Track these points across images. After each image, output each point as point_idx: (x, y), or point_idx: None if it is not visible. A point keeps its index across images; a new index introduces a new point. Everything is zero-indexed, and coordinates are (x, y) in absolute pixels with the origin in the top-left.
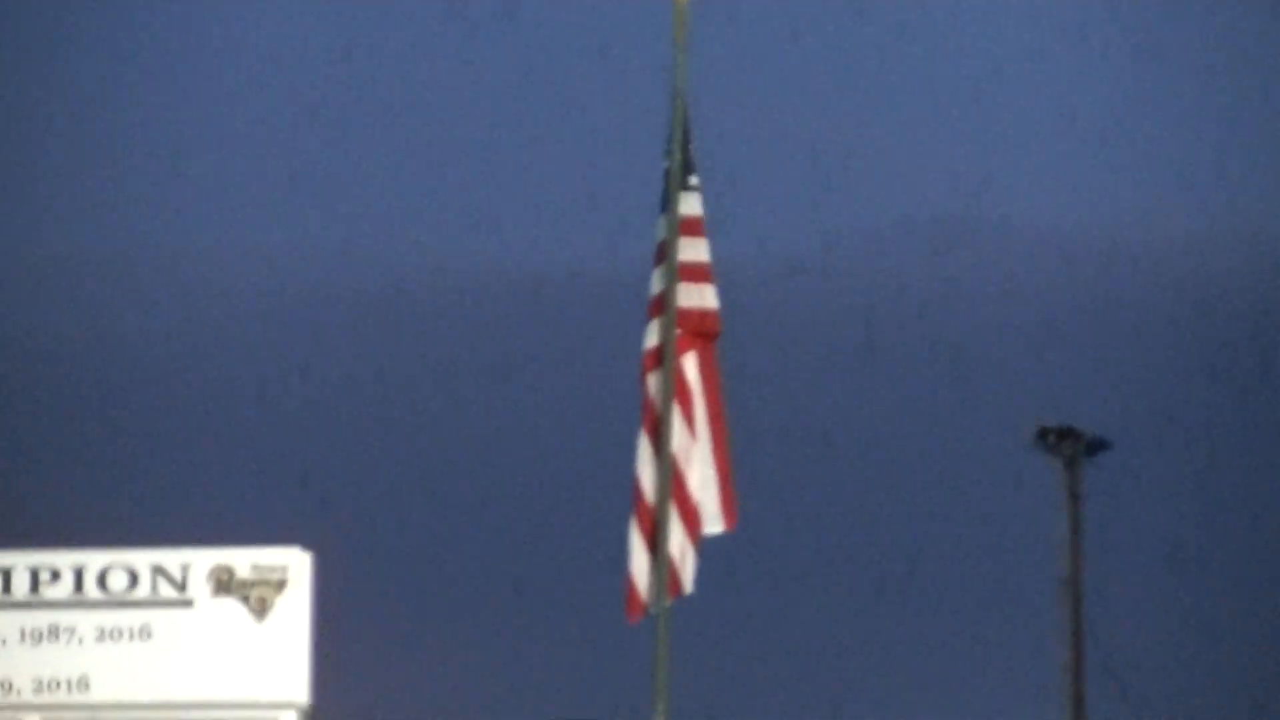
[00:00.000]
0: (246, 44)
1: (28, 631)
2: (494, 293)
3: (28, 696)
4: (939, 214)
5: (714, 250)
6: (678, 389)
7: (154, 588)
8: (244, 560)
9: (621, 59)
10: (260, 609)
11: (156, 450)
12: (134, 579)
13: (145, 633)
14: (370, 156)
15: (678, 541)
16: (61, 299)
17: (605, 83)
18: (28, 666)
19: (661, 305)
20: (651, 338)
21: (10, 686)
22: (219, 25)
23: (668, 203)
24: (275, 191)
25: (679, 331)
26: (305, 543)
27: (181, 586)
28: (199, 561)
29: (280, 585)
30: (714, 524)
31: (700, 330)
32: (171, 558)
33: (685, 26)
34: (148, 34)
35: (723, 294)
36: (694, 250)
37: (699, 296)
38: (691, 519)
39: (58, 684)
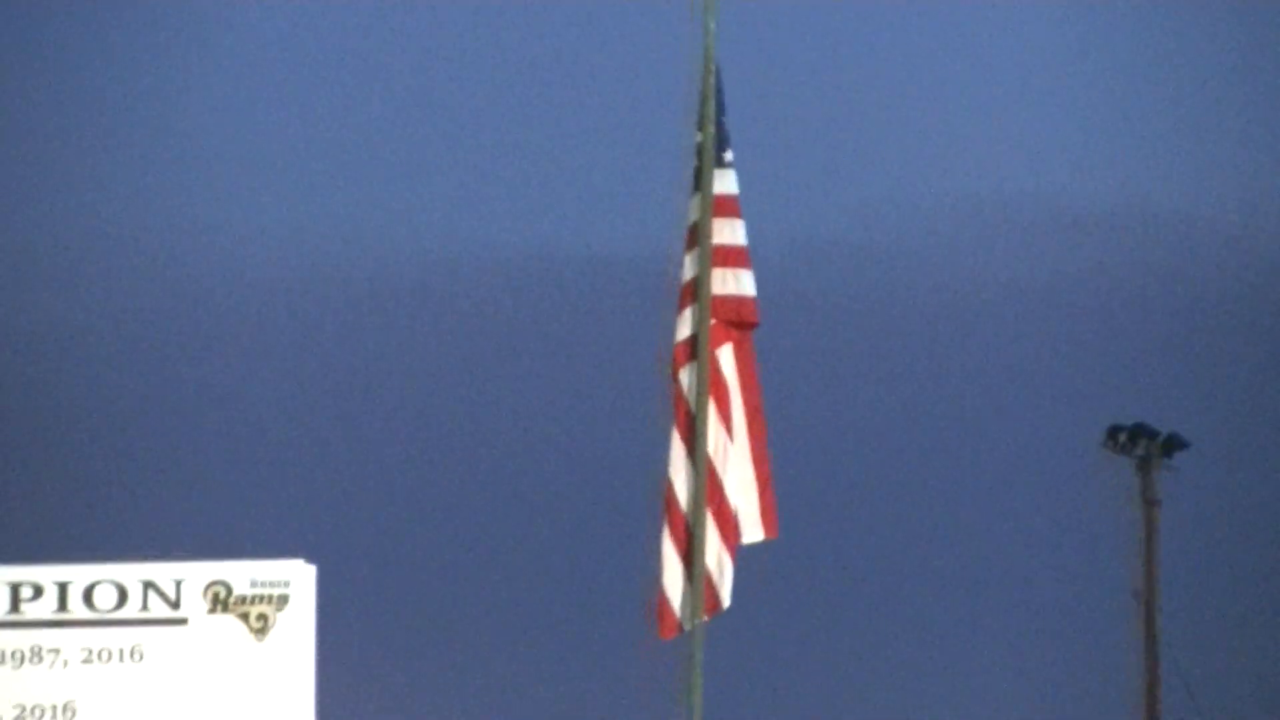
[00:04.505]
0: (250, 25)
1: (8, 653)
2: (507, 281)
3: None
4: (994, 190)
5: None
6: (713, 385)
7: (145, 605)
8: (242, 574)
9: (643, 20)
10: (260, 627)
11: (143, 454)
12: (123, 595)
13: (136, 654)
14: (377, 137)
15: (714, 552)
16: (25, 289)
17: (625, 48)
18: (7, 692)
19: (694, 293)
20: (684, 329)
21: None
22: (221, 9)
23: (700, 181)
24: (273, 173)
25: (713, 321)
26: (308, 554)
27: (175, 603)
28: (193, 576)
29: (282, 601)
30: (753, 532)
31: (737, 320)
32: (164, 572)
33: None
34: (146, 19)
35: (756, 280)
36: (730, 232)
37: (735, 283)
38: (729, 527)
39: (41, 710)
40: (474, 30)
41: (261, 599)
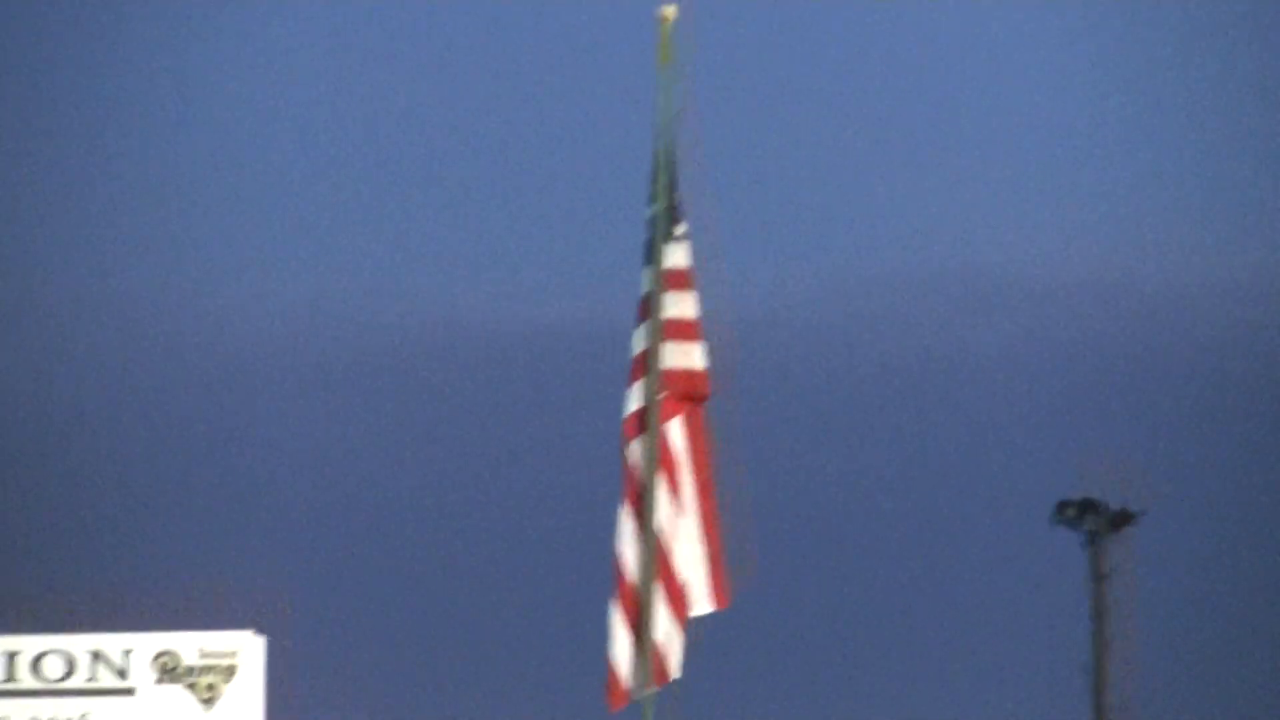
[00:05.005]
0: (239, 106)
1: None
2: (460, 353)
3: None
4: (945, 265)
5: (701, 304)
6: (662, 457)
7: (93, 675)
8: (191, 645)
9: (600, 88)
10: (208, 698)
11: (93, 524)
12: (71, 665)
13: None
14: (330, 208)
15: (663, 624)
16: None
17: (581, 117)
18: None
19: (645, 366)
20: (634, 401)
21: None
22: (221, 87)
23: (652, 254)
24: (232, 241)
25: (664, 394)
26: (257, 626)
27: (123, 673)
28: (142, 646)
29: (230, 672)
30: (703, 604)
31: (687, 393)
32: (112, 642)
33: (671, 55)
34: (160, 87)
35: (711, 353)
36: (680, 305)
37: (686, 356)
38: (678, 599)
39: None
40: (431, 102)
41: (210, 669)
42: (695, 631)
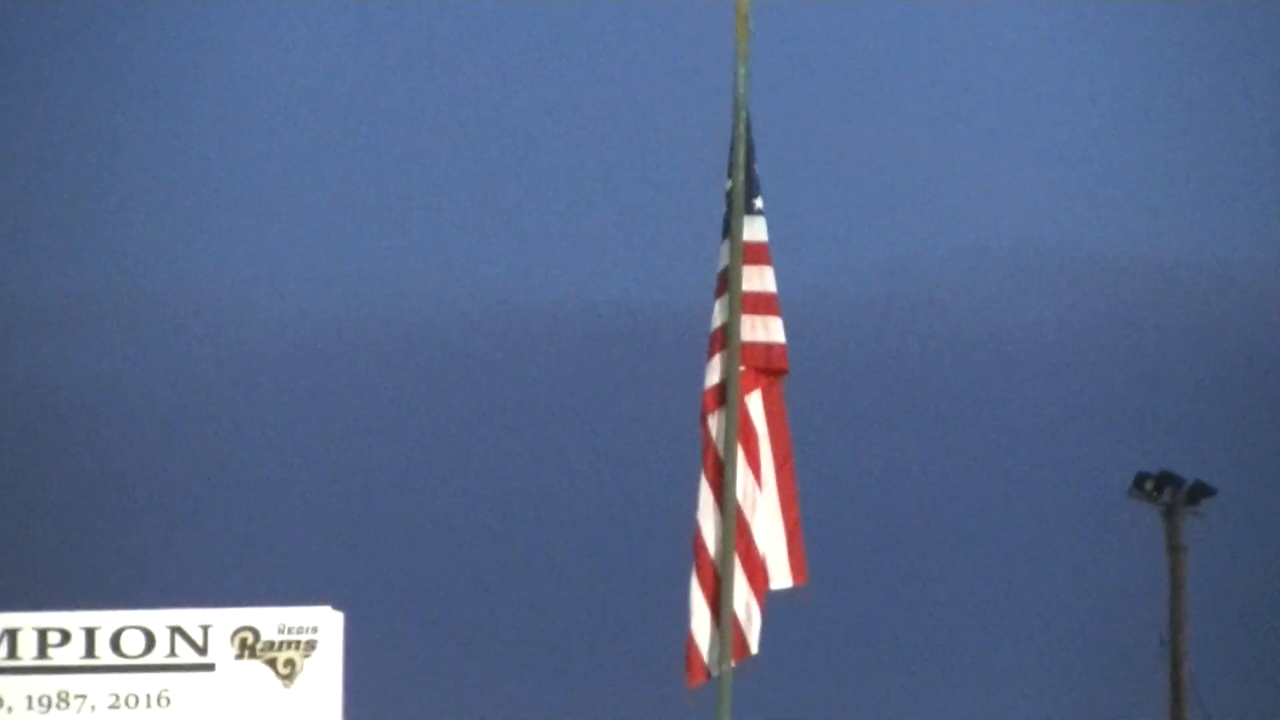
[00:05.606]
0: (271, 63)
1: (35, 699)
2: (537, 327)
3: None
4: (1019, 241)
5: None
6: (742, 431)
7: (172, 650)
8: (270, 621)
9: (676, 69)
10: (288, 673)
11: (172, 502)
12: (151, 641)
13: (163, 700)
14: (405, 183)
15: (742, 599)
16: (62, 341)
17: (658, 96)
18: None
19: (724, 339)
20: (713, 375)
21: None
22: (241, 43)
23: (730, 228)
24: (298, 220)
25: (743, 368)
26: (336, 601)
27: (202, 649)
28: (221, 622)
29: (309, 647)
30: (781, 579)
31: (766, 366)
32: (191, 618)
33: (747, 35)
34: (162, 53)
35: (786, 328)
36: (759, 280)
37: (765, 330)
38: (757, 574)
39: None
40: (507, 80)
41: (289, 645)
42: (771, 608)
